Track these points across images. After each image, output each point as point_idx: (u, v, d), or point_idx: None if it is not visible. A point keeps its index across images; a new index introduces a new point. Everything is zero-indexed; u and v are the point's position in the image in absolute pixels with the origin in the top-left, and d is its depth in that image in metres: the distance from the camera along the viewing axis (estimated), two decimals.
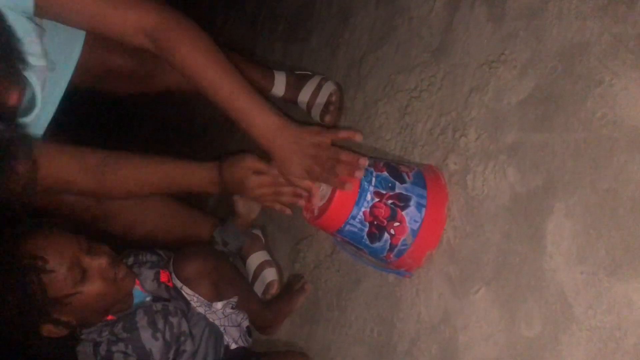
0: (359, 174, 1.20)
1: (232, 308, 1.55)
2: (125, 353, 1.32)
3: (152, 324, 1.35)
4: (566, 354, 0.93)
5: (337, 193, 1.20)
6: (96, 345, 1.32)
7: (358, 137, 1.26)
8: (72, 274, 1.24)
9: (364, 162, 1.21)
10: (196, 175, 1.38)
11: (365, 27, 1.75)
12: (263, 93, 1.50)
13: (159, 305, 1.40)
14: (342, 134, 1.27)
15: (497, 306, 1.07)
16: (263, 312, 1.68)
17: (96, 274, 1.28)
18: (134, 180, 1.36)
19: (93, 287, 1.27)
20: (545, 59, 1.11)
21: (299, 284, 1.70)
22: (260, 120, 1.20)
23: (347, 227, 1.23)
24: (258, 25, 2.66)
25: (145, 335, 1.34)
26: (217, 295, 1.53)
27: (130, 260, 1.48)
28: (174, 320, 1.39)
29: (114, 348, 1.32)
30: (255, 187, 1.33)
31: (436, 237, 1.25)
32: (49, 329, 1.25)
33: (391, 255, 1.26)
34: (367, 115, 1.61)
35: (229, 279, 1.61)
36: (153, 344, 1.34)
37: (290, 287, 1.73)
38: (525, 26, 1.16)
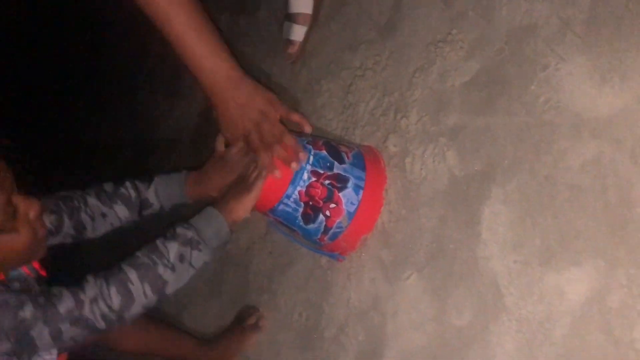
0: (295, 167, 1.11)
1: None
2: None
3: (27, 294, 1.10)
4: (495, 344, 0.90)
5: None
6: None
7: (307, 129, 1.15)
8: (6, 212, 1.02)
9: (304, 157, 1.13)
10: None
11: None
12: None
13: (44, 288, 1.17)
14: (295, 117, 1.14)
15: (429, 293, 1.03)
16: (201, 352, 1.54)
17: (25, 221, 1.05)
18: None
19: (21, 235, 1.05)
20: (493, 41, 1.07)
21: (253, 318, 1.49)
22: (210, 67, 1.04)
23: (281, 207, 1.16)
24: None
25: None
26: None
27: None
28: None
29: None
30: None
31: (372, 221, 1.21)
32: None
33: (325, 238, 1.20)
34: (311, 93, 1.55)
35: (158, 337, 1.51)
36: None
37: (241, 322, 1.52)
38: (474, 6, 1.12)
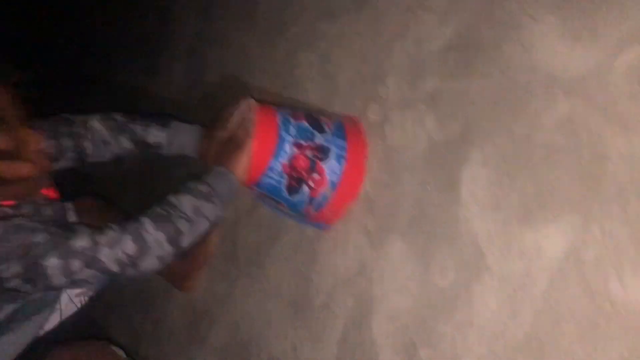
0: None
1: None
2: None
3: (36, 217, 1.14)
4: (478, 302, 0.92)
5: (255, 145, 1.14)
6: None
7: None
8: (8, 143, 1.03)
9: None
10: None
11: None
12: None
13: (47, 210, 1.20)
14: None
15: (412, 257, 1.05)
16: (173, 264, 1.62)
17: (28, 152, 1.06)
18: None
19: (24, 164, 1.06)
20: (466, 4, 1.07)
21: None
22: None
23: (266, 180, 1.17)
24: None
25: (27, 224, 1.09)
26: None
27: None
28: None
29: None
30: None
31: (356, 190, 1.22)
32: None
33: (310, 209, 1.22)
34: (289, 65, 1.54)
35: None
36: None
37: None
38: None
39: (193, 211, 1.11)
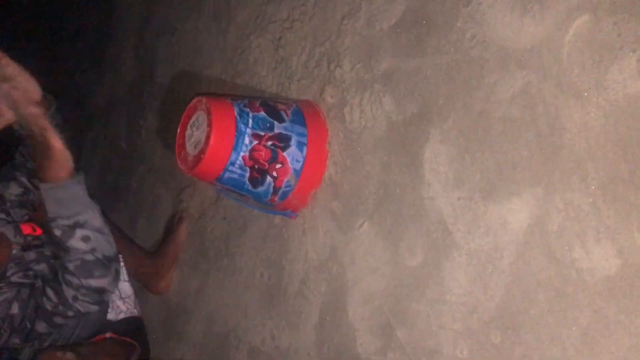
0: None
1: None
2: None
3: (25, 270, 1.21)
4: (448, 279, 0.93)
5: (212, 139, 1.11)
6: None
7: None
8: None
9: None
10: None
11: None
12: None
13: (31, 255, 1.25)
14: None
15: (381, 238, 1.05)
16: (150, 258, 1.61)
17: None
18: None
19: None
20: None
21: (176, 217, 1.67)
22: None
23: (227, 175, 1.15)
24: None
25: (18, 279, 1.19)
26: None
27: None
28: (53, 262, 1.25)
29: None
30: None
31: (319, 175, 1.21)
32: None
33: (275, 198, 1.21)
34: (241, 50, 1.51)
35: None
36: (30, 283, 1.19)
37: (167, 228, 1.69)
38: None
39: (83, 240, 1.10)
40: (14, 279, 1.18)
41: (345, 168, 1.15)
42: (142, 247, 1.70)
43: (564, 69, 0.82)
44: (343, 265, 1.12)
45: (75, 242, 1.09)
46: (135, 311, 1.51)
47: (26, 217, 1.37)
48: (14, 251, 1.25)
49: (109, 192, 2.15)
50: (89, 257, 1.10)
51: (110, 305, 1.44)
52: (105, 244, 1.12)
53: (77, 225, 1.09)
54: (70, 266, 1.09)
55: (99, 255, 1.11)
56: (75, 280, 1.10)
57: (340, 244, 1.14)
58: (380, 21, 1.12)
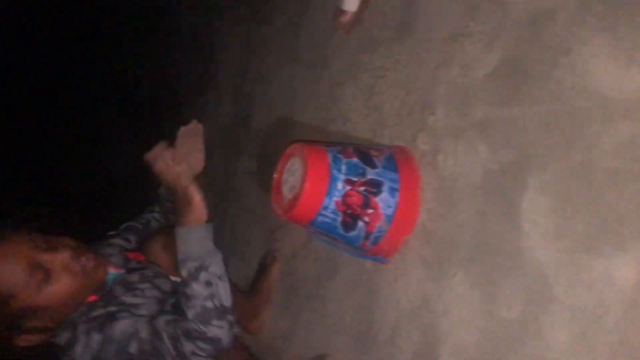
0: None
1: None
2: (107, 312, 1.21)
3: (132, 289, 1.28)
4: (548, 335, 0.90)
5: (307, 184, 1.15)
6: (75, 326, 1.20)
7: None
8: (34, 278, 1.13)
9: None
10: None
11: (328, 6, 1.69)
12: None
13: (135, 276, 1.33)
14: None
15: (476, 289, 1.03)
16: (244, 296, 1.66)
17: (61, 270, 1.17)
18: None
19: (61, 285, 1.16)
20: (511, 29, 1.06)
21: (269, 256, 1.71)
22: None
23: (320, 219, 1.18)
24: (217, 9, 2.58)
25: (127, 298, 1.25)
26: None
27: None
28: (156, 281, 1.33)
29: (94, 314, 1.21)
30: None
31: (412, 222, 1.21)
32: (25, 339, 1.16)
33: (367, 243, 1.22)
34: (334, 97, 1.56)
35: None
36: (137, 300, 1.26)
37: (260, 267, 1.74)
38: None
39: (205, 284, 1.19)
40: (124, 299, 1.24)
41: (439, 215, 1.14)
42: (236, 284, 1.76)
43: None
44: (436, 315, 1.11)
45: (198, 286, 1.17)
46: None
47: (133, 246, 1.49)
48: (120, 273, 1.33)
49: None
50: (209, 304, 1.16)
51: None
52: (224, 293, 1.19)
53: (202, 267, 1.18)
54: (190, 313, 1.15)
55: (217, 304, 1.17)
56: (193, 327, 1.14)
57: (433, 292, 1.13)
58: (475, 69, 1.12)
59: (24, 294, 1.13)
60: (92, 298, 1.25)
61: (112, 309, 1.21)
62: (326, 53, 1.63)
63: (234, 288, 1.68)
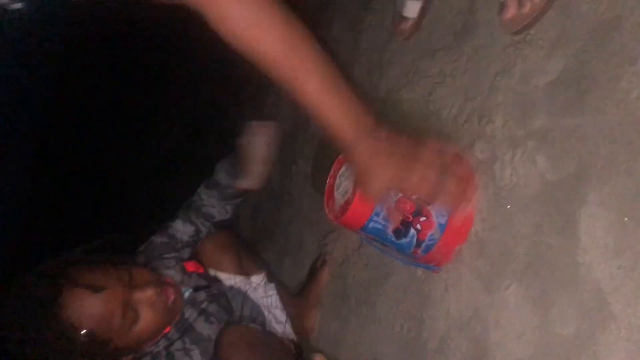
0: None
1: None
2: (184, 349, 1.28)
3: (202, 312, 1.34)
4: (604, 354, 0.87)
5: (359, 190, 1.15)
6: (154, 357, 1.27)
7: None
8: (127, 320, 1.18)
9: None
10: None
11: (387, 11, 1.69)
12: None
13: (202, 295, 1.38)
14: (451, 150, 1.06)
15: (530, 302, 1.01)
16: (294, 299, 1.69)
17: (147, 308, 1.22)
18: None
19: (147, 324, 1.22)
20: (575, 38, 1.03)
21: (320, 260, 1.72)
22: (349, 126, 1.00)
23: (371, 225, 1.18)
24: None
25: (199, 325, 1.32)
26: (240, 268, 1.56)
27: (142, 259, 1.43)
28: (221, 300, 1.39)
29: (172, 349, 1.28)
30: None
31: (465, 231, 1.20)
32: None
33: (419, 251, 1.21)
34: (391, 103, 1.56)
35: (252, 255, 1.68)
36: (210, 329, 1.32)
37: (311, 270, 1.75)
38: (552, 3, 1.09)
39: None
40: (197, 327, 1.30)
41: (493, 226, 1.12)
42: (287, 286, 1.78)
43: None
44: (486, 327, 1.09)
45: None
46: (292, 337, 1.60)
47: (187, 256, 1.51)
48: (187, 294, 1.38)
49: (260, 232, 2.29)
50: None
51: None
52: None
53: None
54: None
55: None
56: None
57: (484, 303, 1.11)
58: (536, 78, 1.10)
59: (118, 335, 1.17)
60: (168, 329, 1.31)
61: (188, 345, 1.28)
62: (384, 59, 1.63)
63: (286, 290, 1.70)
